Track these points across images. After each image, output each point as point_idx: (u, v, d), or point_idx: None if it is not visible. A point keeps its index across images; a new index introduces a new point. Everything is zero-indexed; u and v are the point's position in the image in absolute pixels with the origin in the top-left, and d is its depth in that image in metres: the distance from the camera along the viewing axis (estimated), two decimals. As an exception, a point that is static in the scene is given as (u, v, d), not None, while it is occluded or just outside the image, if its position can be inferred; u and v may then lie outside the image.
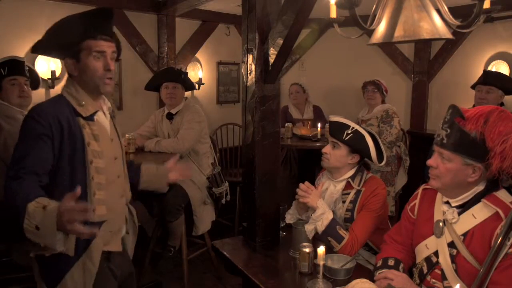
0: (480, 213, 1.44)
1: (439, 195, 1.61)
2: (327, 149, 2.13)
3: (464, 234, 1.46)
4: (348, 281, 1.62)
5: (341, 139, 2.06)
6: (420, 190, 1.72)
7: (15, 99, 2.55)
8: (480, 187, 1.48)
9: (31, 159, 1.50)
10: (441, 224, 1.53)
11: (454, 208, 1.51)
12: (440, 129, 1.49)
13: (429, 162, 1.52)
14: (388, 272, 1.59)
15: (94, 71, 1.62)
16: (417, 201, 1.71)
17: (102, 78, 1.64)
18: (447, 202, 1.54)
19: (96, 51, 1.61)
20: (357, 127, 2.07)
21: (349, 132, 2.05)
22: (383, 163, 2.09)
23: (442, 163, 1.47)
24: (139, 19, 4.06)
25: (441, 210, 1.55)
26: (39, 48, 1.71)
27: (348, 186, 2.11)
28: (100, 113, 1.71)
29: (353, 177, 2.10)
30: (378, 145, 2.08)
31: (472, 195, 1.48)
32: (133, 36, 4.02)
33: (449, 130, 1.44)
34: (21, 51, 3.36)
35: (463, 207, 1.49)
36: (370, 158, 2.07)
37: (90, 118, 1.65)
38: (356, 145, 2.06)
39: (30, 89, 2.67)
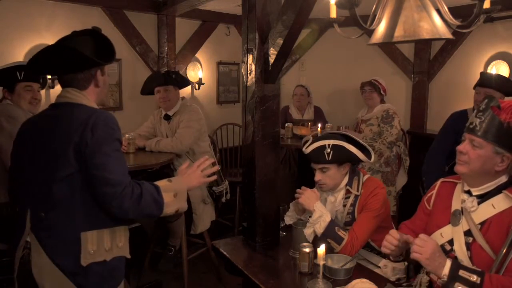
0: (500, 203, 1.47)
1: (458, 186, 1.63)
2: (318, 176, 2.09)
3: (482, 223, 1.49)
4: (348, 281, 1.62)
5: (326, 161, 2.04)
6: (438, 182, 1.75)
7: (26, 105, 2.61)
8: (503, 179, 1.51)
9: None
10: (459, 213, 1.55)
11: (474, 197, 1.53)
12: (473, 117, 1.52)
13: (459, 147, 1.54)
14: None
15: (108, 84, 1.76)
16: (434, 191, 1.74)
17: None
18: (468, 192, 1.56)
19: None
20: (332, 142, 2.04)
21: (329, 150, 2.03)
22: (373, 158, 2.08)
23: (473, 150, 1.49)
24: (139, 19, 4.07)
25: (460, 199, 1.57)
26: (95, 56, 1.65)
27: (347, 192, 2.11)
28: None
29: (350, 183, 2.10)
30: (360, 144, 2.08)
31: (495, 185, 1.51)
32: (133, 36, 4.02)
33: (483, 118, 1.47)
34: (21, 51, 3.36)
35: (483, 197, 1.51)
36: (359, 161, 2.07)
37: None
38: (341, 158, 2.05)
39: (41, 94, 2.75)
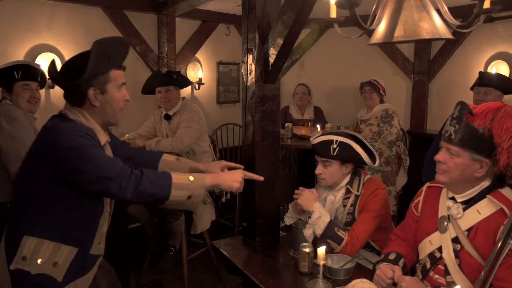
0: (484, 209, 1.46)
1: (443, 191, 1.62)
2: (319, 169, 2.10)
3: (469, 230, 1.48)
4: (348, 281, 1.62)
5: (330, 156, 2.05)
6: (424, 188, 1.73)
7: (25, 104, 2.61)
8: (486, 183, 1.49)
9: (108, 159, 1.50)
10: (445, 219, 1.54)
11: (459, 204, 1.52)
12: (448, 125, 1.50)
13: (437, 157, 1.53)
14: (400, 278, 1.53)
15: (118, 102, 1.58)
16: (421, 198, 1.72)
17: (121, 109, 1.61)
18: (452, 198, 1.55)
19: (122, 82, 1.59)
20: (340, 138, 2.05)
21: (335, 146, 2.04)
22: (377, 163, 2.08)
23: (451, 158, 1.48)
24: (139, 19, 4.07)
25: (446, 206, 1.56)
26: (64, 76, 1.55)
27: (347, 191, 2.12)
28: (107, 144, 1.67)
29: (350, 183, 2.10)
30: (367, 147, 2.08)
31: (478, 190, 1.49)
32: (133, 36, 4.02)
33: (457, 126, 1.45)
34: (21, 51, 3.37)
35: (468, 203, 1.50)
36: (363, 163, 2.07)
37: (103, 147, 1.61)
38: (346, 156, 2.05)
39: (40, 93, 2.74)
